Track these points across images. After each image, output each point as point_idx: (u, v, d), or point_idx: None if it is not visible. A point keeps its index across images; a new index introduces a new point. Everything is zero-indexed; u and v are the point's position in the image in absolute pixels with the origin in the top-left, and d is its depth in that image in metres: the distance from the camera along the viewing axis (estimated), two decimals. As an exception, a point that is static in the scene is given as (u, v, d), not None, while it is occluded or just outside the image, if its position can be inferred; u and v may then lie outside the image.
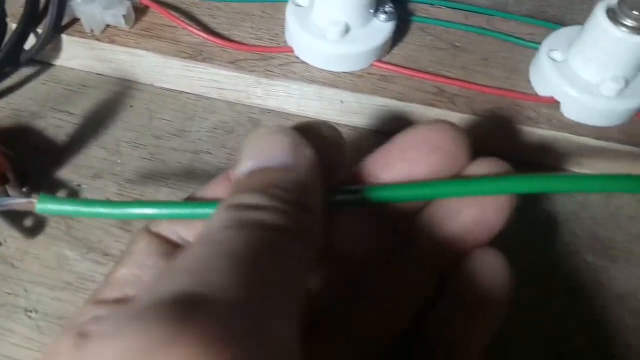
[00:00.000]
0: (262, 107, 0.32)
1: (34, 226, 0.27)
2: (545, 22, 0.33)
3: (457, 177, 0.17)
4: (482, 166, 0.17)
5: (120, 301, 0.15)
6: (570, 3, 0.39)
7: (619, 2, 0.25)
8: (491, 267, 0.17)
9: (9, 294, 0.25)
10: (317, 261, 0.14)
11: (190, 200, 0.17)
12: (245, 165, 0.15)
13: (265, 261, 0.12)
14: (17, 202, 0.17)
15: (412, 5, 0.33)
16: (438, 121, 0.17)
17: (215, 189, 0.17)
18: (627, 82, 0.27)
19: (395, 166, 0.17)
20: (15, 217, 0.27)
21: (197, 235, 0.13)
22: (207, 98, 0.32)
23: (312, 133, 0.16)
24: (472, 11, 0.33)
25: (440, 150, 0.17)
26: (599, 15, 0.26)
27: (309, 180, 0.15)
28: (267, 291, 0.12)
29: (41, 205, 0.17)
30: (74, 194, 0.29)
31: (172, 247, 0.16)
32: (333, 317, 0.17)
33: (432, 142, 0.17)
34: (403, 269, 0.18)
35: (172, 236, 0.17)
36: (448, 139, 0.17)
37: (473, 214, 0.17)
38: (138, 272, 0.16)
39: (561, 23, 0.36)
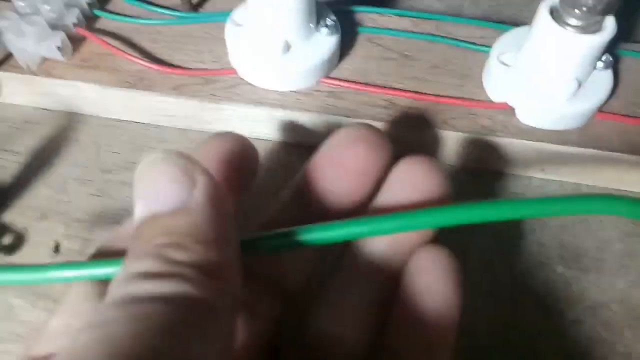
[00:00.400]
0: (213, 131, 0.30)
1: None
2: (497, 23, 0.31)
3: (388, 213, 0.16)
4: (409, 164, 0.17)
5: (53, 356, 0.14)
6: (527, 1, 0.38)
7: (560, 1, 0.24)
8: (437, 265, 0.16)
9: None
10: (236, 314, 0.13)
11: (103, 251, 0.16)
12: (136, 210, 0.14)
13: (161, 342, 0.11)
14: None
15: (359, 16, 0.32)
16: (357, 123, 0.18)
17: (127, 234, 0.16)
18: (580, 83, 0.26)
19: (326, 170, 0.17)
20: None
21: (89, 314, 0.13)
22: (157, 126, 0.31)
23: (210, 149, 0.16)
24: (421, 17, 0.32)
25: (364, 142, 0.17)
26: (543, 16, 0.25)
27: (209, 217, 0.13)
28: None
29: None
30: (20, 238, 0.28)
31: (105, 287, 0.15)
32: (292, 343, 0.17)
33: (354, 137, 0.17)
34: (349, 288, 0.17)
35: None
36: (370, 134, 0.17)
37: None
38: (71, 321, 0.15)
39: (517, 22, 0.35)
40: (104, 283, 0.15)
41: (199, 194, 0.13)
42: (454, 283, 0.16)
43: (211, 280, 0.13)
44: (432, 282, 0.16)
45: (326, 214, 0.17)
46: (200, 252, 0.13)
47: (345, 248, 0.18)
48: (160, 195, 0.13)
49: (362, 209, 0.17)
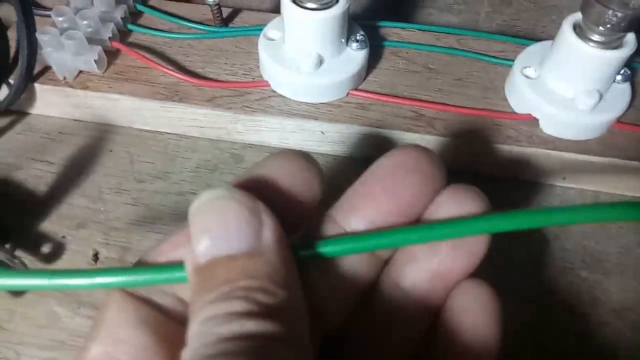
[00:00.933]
0: (244, 142, 0.32)
1: (19, 284, 0.27)
2: (515, 38, 0.33)
3: (425, 223, 0.16)
4: (453, 195, 0.17)
5: None
6: (539, 15, 0.40)
7: (583, 18, 0.26)
8: (479, 303, 0.16)
9: (0, 358, 0.25)
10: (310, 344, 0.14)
11: (144, 263, 0.16)
12: (201, 245, 0.14)
13: None
14: None
15: (383, 31, 0.33)
16: (412, 145, 0.17)
17: (171, 248, 0.16)
18: (601, 95, 0.27)
19: (376, 197, 0.17)
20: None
21: (189, 348, 0.13)
22: (188, 137, 0.32)
23: (274, 173, 0.15)
24: (443, 32, 0.33)
25: (418, 172, 0.16)
26: (567, 32, 0.26)
27: (282, 260, 0.14)
28: None
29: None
30: (59, 247, 0.28)
31: (149, 310, 0.15)
32: None
33: (408, 165, 0.16)
34: (388, 314, 0.17)
35: (149, 295, 0.15)
36: (424, 161, 0.16)
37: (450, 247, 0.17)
38: (113, 350, 0.14)
39: (532, 37, 0.36)
40: (143, 309, 0.15)
41: (269, 236, 0.14)
42: (496, 321, 0.16)
43: (296, 319, 0.13)
44: (473, 321, 0.16)
45: None
46: (282, 296, 0.13)
47: (380, 284, 0.18)
48: (232, 236, 0.14)
49: None
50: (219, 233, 0.14)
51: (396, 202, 0.16)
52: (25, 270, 0.15)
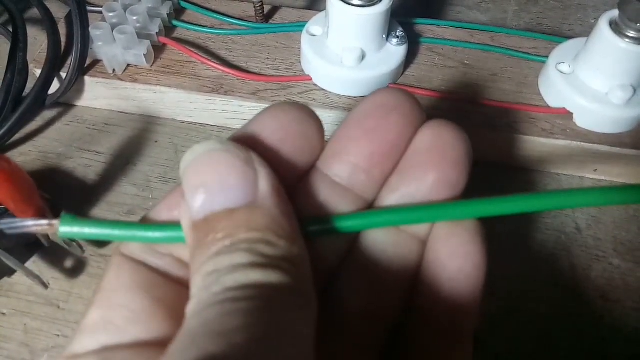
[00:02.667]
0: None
1: (75, 267, 0.28)
2: (546, 35, 0.34)
3: (437, 202, 0.16)
4: (432, 130, 0.16)
5: (96, 353, 0.14)
6: (566, 15, 0.41)
7: (619, 15, 0.27)
8: (460, 229, 0.16)
9: (58, 335, 0.26)
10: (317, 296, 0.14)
11: (146, 222, 0.16)
12: (197, 200, 0.13)
13: (274, 320, 0.12)
14: (36, 223, 0.15)
15: (418, 27, 0.34)
16: (389, 88, 0.17)
17: (170, 207, 0.16)
18: (635, 90, 0.28)
19: (358, 140, 0.16)
20: (56, 259, 0.28)
21: (194, 300, 0.13)
22: (230, 129, 0.33)
23: (266, 125, 0.15)
24: (476, 29, 0.34)
25: (397, 112, 0.16)
26: (603, 28, 0.27)
27: (281, 212, 0.14)
28: (284, 349, 0.12)
29: (64, 228, 0.15)
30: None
31: (146, 273, 0.15)
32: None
33: (388, 106, 0.16)
34: (372, 262, 0.17)
35: (146, 258, 0.15)
36: (402, 101, 0.16)
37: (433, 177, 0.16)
38: (110, 314, 0.14)
39: (559, 34, 0.37)
40: (140, 272, 0.15)
41: (266, 186, 0.14)
42: (479, 242, 0.16)
43: (299, 270, 0.13)
44: (457, 244, 0.16)
45: (350, 185, 0.16)
46: (284, 247, 0.13)
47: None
48: (229, 189, 0.13)
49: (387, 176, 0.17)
50: (214, 187, 0.13)
51: (378, 143, 0.16)
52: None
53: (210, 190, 0.13)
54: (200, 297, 0.13)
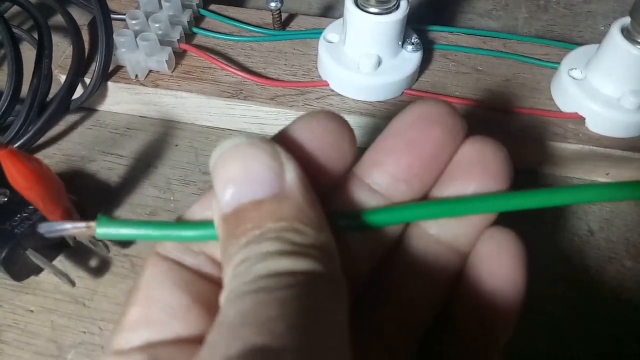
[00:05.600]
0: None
1: (99, 266, 0.29)
2: (557, 41, 0.35)
3: (460, 197, 0.16)
4: (474, 146, 0.17)
5: (141, 349, 0.14)
6: (575, 21, 0.42)
7: (631, 22, 0.28)
8: (506, 250, 0.16)
9: (84, 332, 0.26)
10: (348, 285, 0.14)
11: (182, 221, 0.16)
12: (226, 195, 0.14)
13: (310, 307, 0.12)
14: (75, 226, 0.16)
15: (432, 34, 0.35)
16: (431, 99, 0.17)
17: (204, 207, 0.16)
18: (646, 95, 0.29)
19: (398, 151, 0.16)
20: (81, 258, 0.29)
21: (227, 289, 0.13)
22: (249, 133, 0.34)
23: (299, 131, 0.15)
24: (489, 36, 0.35)
25: (439, 125, 0.16)
26: (615, 35, 0.28)
27: (309, 201, 0.14)
28: (323, 336, 0.12)
29: (101, 229, 0.16)
30: (131, 233, 0.30)
31: (182, 271, 0.15)
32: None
33: (430, 118, 0.16)
34: (415, 269, 0.17)
35: (182, 258, 0.16)
36: (444, 114, 0.16)
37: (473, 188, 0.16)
38: (151, 311, 0.15)
39: (569, 40, 0.38)
40: (176, 271, 0.15)
41: (292, 176, 0.14)
42: (522, 267, 0.16)
43: (329, 257, 0.14)
44: (501, 266, 0.16)
45: (389, 194, 0.17)
46: (313, 235, 0.13)
47: (406, 231, 0.18)
48: (256, 181, 0.14)
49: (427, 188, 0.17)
50: (242, 179, 0.14)
51: (419, 155, 0.16)
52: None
53: (237, 183, 0.14)
54: (232, 287, 0.13)
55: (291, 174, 0.14)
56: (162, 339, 0.15)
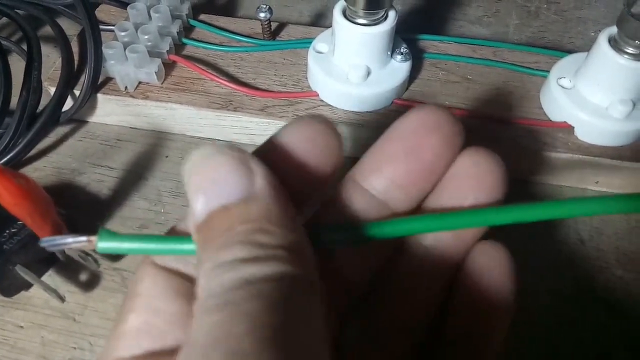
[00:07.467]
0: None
1: (90, 280, 0.29)
2: (547, 50, 0.35)
3: (454, 210, 0.17)
4: (471, 157, 0.17)
5: (142, 358, 0.14)
6: (566, 28, 0.42)
7: (618, 32, 0.28)
8: (497, 262, 0.17)
9: (74, 348, 0.26)
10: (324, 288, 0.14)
11: (174, 234, 0.16)
12: (198, 204, 0.14)
13: (282, 316, 0.12)
14: (76, 240, 0.16)
15: (422, 43, 0.35)
16: (431, 106, 0.17)
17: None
18: (634, 104, 0.29)
19: (397, 157, 0.17)
20: (71, 272, 0.29)
21: (198, 302, 0.13)
22: (238, 144, 0.34)
23: (285, 138, 0.15)
24: (478, 44, 0.35)
25: (438, 132, 0.16)
26: (602, 44, 0.28)
27: (278, 202, 0.14)
28: (298, 346, 0.12)
29: (102, 243, 0.15)
30: (121, 246, 0.30)
31: (179, 280, 0.16)
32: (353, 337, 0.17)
33: (428, 124, 0.16)
34: (410, 278, 0.18)
35: (179, 267, 0.16)
36: (443, 121, 0.16)
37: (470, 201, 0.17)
38: (151, 320, 0.15)
39: (559, 48, 0.38)
40: (174, 280, 0.15)
41: (261, 180, 0.14)
42: (512, 278, 0.17)
43: (300, 258, 0.13)
44: (492, 277, 0.17)
45: (386, 199, 0.17)
46: (282, 235, 0.13)
47: (403, 243, 0.18)
48: (224, 187, 0.14)
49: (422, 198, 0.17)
50: (210, 187, 0.14)
51: (417, 162, 0.16)
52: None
53: (206, 191, 0.14)
54: (202, 300, 0.13)
55: (259, 177, 0.14)
56: (163, 347, 0.15)
